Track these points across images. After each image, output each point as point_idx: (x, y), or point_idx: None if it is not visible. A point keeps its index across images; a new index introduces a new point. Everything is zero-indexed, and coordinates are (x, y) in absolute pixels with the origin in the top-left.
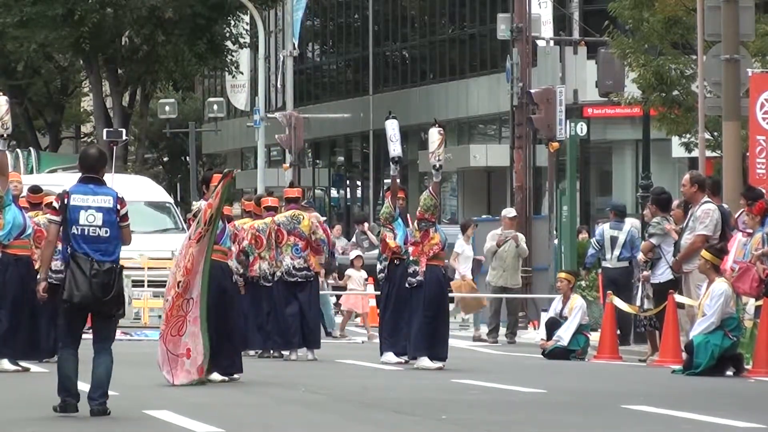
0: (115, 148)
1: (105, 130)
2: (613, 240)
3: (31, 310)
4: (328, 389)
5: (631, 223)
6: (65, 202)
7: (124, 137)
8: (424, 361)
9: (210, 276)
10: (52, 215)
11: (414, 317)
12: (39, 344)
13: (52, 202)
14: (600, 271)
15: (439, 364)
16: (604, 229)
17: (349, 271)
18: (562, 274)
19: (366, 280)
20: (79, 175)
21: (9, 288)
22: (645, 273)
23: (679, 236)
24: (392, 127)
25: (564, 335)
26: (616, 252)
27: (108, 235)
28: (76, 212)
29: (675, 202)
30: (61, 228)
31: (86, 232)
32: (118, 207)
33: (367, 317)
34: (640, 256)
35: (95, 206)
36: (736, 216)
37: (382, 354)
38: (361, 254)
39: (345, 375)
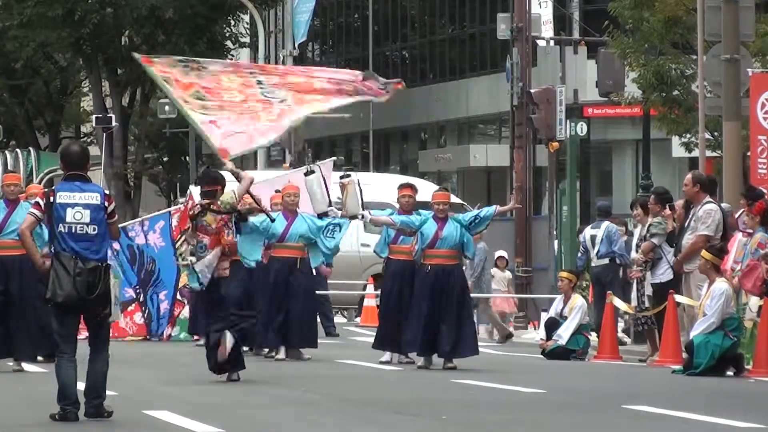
0: (105, 134)
1: (94, 117)
2: (593, 239)
3: (7, 310)
4: (328, 389)
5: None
6: (51, 200)
7: (114, 123)
8: (420, 360)
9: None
10: (35, 209)
11: (411, 317)
12: (17, 343)
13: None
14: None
15: (449, 364)
16: (586, 230)
17: (493, 271)
18: (564, 274)
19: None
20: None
21: None
22: (640, 272)
23: (680, 236)
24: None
25: (563, 334)
26: (595, 250)
27: (95, 232)
28: (63, 210)
29: (679, 202)
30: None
31: (73, 230)
32: (106, 203)
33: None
34: (638, 255)
35: (82, 203)
36: (737, 216)
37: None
38: (504, 255)
39: (345, 375)
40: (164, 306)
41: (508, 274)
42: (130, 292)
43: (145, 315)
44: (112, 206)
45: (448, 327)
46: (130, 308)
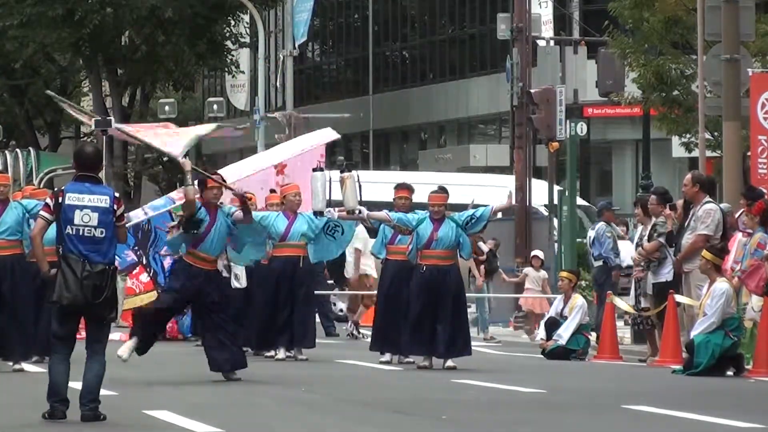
0: (105, 137)
1: (93, 120)
2: (590, 240)
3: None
4: (328, 389)
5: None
6: (60, 201)
7: (114, 125)
8: (419, 360)
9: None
10: (44, 212)
11: (409, 317)
12: (9, 345)
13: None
14: None
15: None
16: (588, 232)
17: (527, 270)
18: (564, 274)
19: (545, 279)
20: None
21: None
22: (642, 272)
23: (680, 236)
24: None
25: (564, 334)
26: (591, 251)
27: (103, 235)
28: (71, 212)
29: (679, 202)
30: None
31: (81, 233)
32: (115, 207)
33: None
34: (636, 255)
35: (91, 206)
36: (736, 216)
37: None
38: (539, 254)
39: (345, 375)
40: (167, 262)
41: (543, 273)
42: (131, 256)
43: (151, 274)
44: (121, 210)
45: (443, 327)
46: (134, 271)
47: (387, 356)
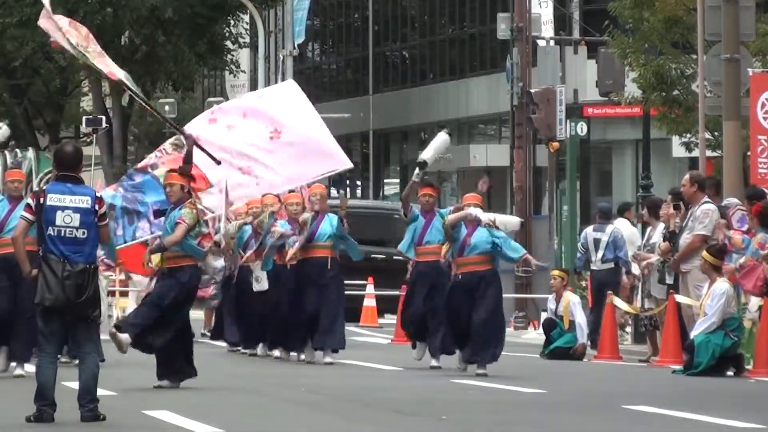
0: (97, 135)
1: (84, 118)
2: (596, 242)
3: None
4: (328, 389)
5: (615, 225)
6: (41, 201)
7: (104, 124)
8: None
9: None
10: (26, 212)
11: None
12: (18, 344)
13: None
14: (589, 273)
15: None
16: (587, 232)
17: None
18: (556, 272)
19: None
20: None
21: None
22: (645, 272)
23: (677, 236)
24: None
25: (585, 331)
26: (600, 254)
27: (85, 236)
28: (53, 213)
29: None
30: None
31: (62, 234)
32: (96, 207)
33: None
34: (638, 251)
35: (72, 206)
36: (731, 215)
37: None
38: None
39: (345, 375)
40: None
41: None
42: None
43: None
44: (103, 209)
45: (475, 333)
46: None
47: (417, 353)
